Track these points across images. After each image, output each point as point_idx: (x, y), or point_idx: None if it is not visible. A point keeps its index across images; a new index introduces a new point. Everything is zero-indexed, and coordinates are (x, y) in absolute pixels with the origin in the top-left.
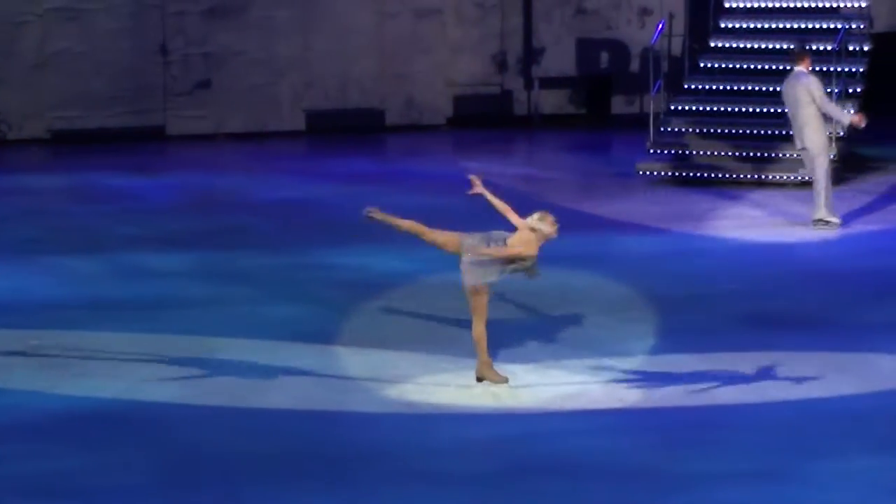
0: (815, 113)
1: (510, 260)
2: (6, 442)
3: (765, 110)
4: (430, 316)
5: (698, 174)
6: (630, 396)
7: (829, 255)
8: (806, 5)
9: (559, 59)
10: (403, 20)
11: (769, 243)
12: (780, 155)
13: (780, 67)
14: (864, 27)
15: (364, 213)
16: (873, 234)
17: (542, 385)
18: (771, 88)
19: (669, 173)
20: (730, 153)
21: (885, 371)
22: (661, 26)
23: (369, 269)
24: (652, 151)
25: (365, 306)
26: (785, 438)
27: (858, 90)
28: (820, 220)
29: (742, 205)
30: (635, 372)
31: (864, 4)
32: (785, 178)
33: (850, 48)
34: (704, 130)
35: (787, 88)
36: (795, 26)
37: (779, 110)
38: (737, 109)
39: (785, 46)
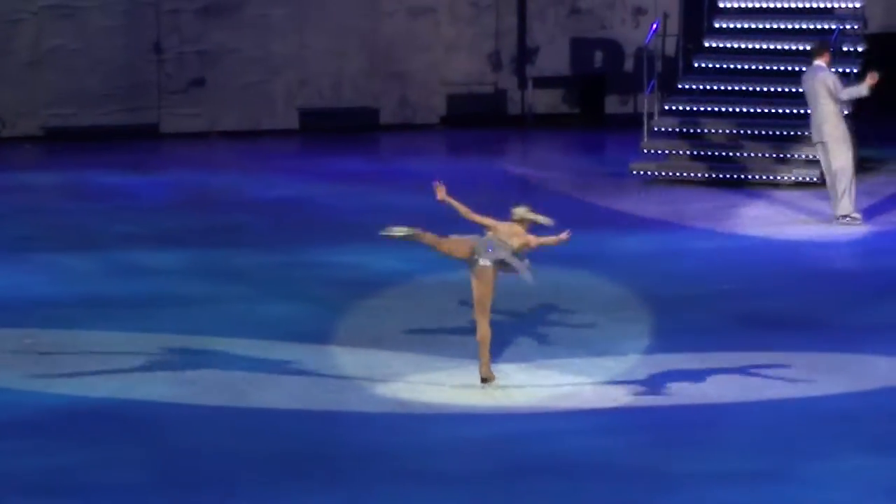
0: (833, 107)
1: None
2: (1, 439)
3: (758, 110)
4: (425, 315)
5: (692, 174)
6: (625, 396)
7: (825, 255)
8: (800, 6)
9: (553, 58)
10: (398, 19)
11: (764, 243)
12: (775, 155)
13: (774, 68)
14: (859, 28)
15: (381, 233)
16: (870, 234)
17: (536, 385)
18: (764, 89)
19: (663, 173)
20: (723, 153)
21: (879, 371)
22: (655, 26)
23: (364, 267)
24: (646, 151)
25: (360, 305)
26: (780, 438)
27: None
28: (845, 216)
29: (736, 204)
30: (630, 371)
31: (858, 5)
32: (780, 177)
33: (845, 49)
34: (698, 130)
35: (806, 81)
36: (789, 27)
37: (772, 111)
38: (730, 110)
39: (779, 47)
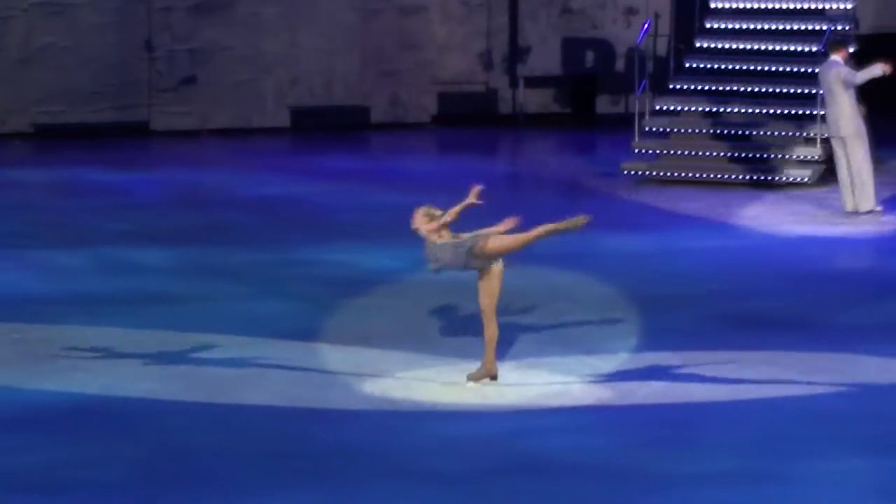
0: (848, 101)
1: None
2: None
3: (749, 111)
4: (415, 313)
5: (683, 174)
6: (613, 395)
7: (816, 256)
8: (791, 7)
9: (544, 58)
10: (389, 17)
11: (755, 243)
12: (766, 155)
13: (766, 68)
14: (850, 29)
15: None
16: (865, 235)
17: (525, 383)
18: (756, 89)
19: (654, 173)
20: (714, 153)
21: (868, 372)
22: (646, 26)
23: (354, 265)
24: (637, 151)
25: (349, 303)
26: (769, 438)
27: None
28: (869, 210)
29: (727, 205)
30: (619, 370)
31: (849, 6)
32: (771, 178)
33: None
34: (689, 130)
35: (822, 77)
36: (781, 28)
37: (764, 111)
38: (721, 110)
39: (771, 48)
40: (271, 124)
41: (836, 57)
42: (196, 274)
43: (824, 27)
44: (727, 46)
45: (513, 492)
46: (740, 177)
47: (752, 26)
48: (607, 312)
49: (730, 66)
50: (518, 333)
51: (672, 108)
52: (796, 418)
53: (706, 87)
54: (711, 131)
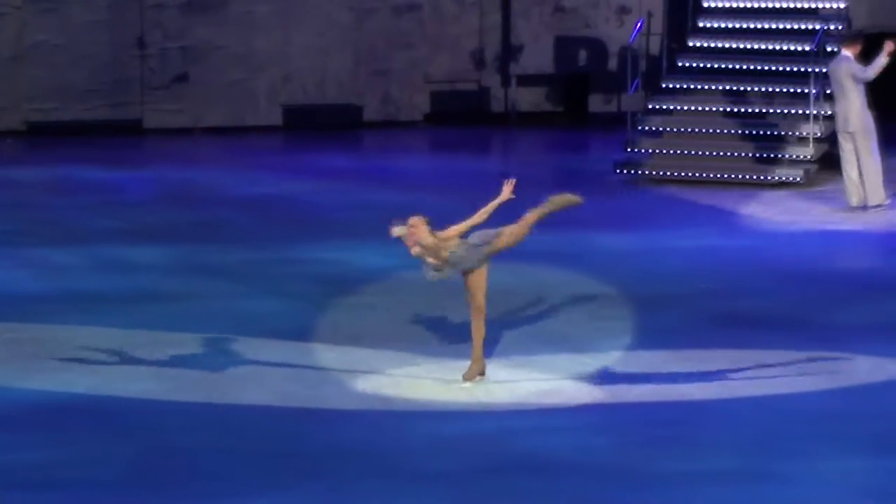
0: (858, 96)
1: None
2: None
3: (742, 110)
4: (407, 312)
5: (676, 173)
6: (606, 393)
7: (808, 255)
8: (784, 6)
9: (537, 56)
10: (382, 16)
11: (748, 242)
12: (759, 155)
13: (758, 67)
14: (843, 28)
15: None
16: (858, 234)
17: (517, 382)
18: (748, 88)
19: (646, 172)
20: (707, 152)
21: (860, 371)
22: (639, 25)
23: (346, 264)
24: (629, 150)
25: (341, 302)
26: (760, 437)
27: None
28: (878, 205)
29: (719, 204)
30: (610, 369)
31: (842, 6)
32: (764, 177)
33: (829, 49)
34: (682, 129)
35: (833, 71)
36: (774, 27)
37: (756, 110)
38: (714, 109)
39: (763, 47)
40: (264, 122)
41: (847, 52)
42: (189, 272)
43: (817, 26)
44: (720, 45)
45: (508, 490)
46: (733, 176)
47: (744, 25)
48: (599, 311)
49: (722, 66)
50: (509, 332)
51: (665, 107)
52: (793, 417)
53: (699, 87)
54: (704, 130)
